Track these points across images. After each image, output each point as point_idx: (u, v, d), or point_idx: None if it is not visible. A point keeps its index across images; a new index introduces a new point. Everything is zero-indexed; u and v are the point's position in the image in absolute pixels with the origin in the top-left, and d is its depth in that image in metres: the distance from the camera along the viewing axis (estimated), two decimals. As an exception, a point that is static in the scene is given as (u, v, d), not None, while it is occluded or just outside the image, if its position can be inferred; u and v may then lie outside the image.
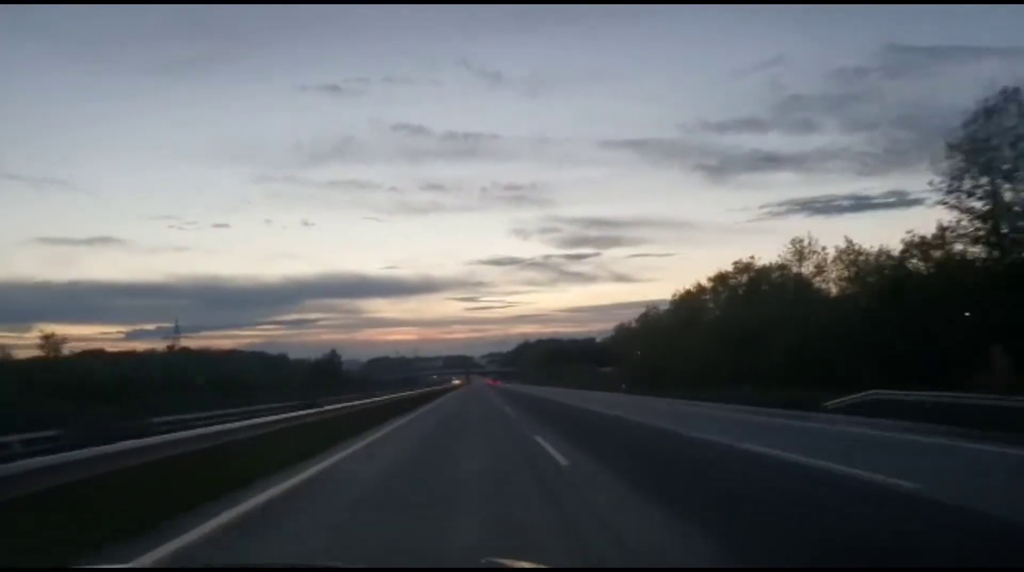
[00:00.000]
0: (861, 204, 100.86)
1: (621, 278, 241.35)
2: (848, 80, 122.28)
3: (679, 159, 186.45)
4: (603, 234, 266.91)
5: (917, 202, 79.31)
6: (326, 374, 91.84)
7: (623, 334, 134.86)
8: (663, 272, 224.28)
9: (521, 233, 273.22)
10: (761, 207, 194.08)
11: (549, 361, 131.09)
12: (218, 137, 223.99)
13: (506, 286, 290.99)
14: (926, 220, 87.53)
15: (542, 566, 2.19)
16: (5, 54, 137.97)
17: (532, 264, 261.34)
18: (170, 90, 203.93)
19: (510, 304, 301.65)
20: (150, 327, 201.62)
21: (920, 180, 56.02)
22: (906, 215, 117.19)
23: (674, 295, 68.83)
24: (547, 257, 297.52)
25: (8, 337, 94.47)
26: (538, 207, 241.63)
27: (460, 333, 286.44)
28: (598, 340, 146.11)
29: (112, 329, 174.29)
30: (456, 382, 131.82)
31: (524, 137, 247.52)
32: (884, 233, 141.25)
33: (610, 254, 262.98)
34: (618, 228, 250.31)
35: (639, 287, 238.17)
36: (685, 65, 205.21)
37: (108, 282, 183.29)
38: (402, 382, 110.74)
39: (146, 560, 4.81)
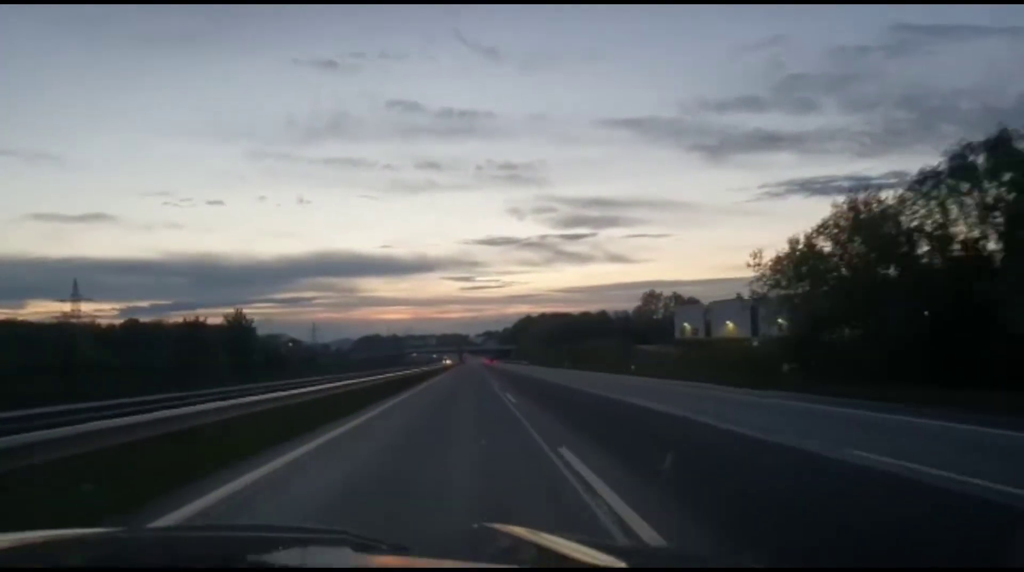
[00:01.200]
0: (861, 185, 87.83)
1: (617, 258, 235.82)
2: (849, 59, 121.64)
3: (677, 138, 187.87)
4: (599, 214, 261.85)
5: (917, 183, 78.10)
6: (218, 348, 63.62)
7: (649, 304, 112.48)
8: (659, 253, 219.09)
9: (516, 213, 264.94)
10: (760, 187, 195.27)
11: (562, 337, 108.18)
12: (211, 112, 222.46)
13: (501, 266, 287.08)
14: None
15: (535, 530, 1.91)
16: None
17: (528, 244, 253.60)
18: (163, 65, 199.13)
19: (505, 284, 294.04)
20: (144, 304, 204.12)
21: (920, 160, 53.52)
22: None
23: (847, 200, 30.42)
24: (543, 237, 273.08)
25: (3, 313, 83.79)
26: (534, 186, 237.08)
27: (455, 313, 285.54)
28: (611, 315, 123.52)
29: (107, 306, 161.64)
30: (447, 362, 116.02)
31: (520, 115, 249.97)
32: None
33: (606, 234, 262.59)
34: (614, 208, 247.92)
35: (635, 268, 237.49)
36: (684, 43, 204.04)
37: (102, 259, 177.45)
38: (382, 362, 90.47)
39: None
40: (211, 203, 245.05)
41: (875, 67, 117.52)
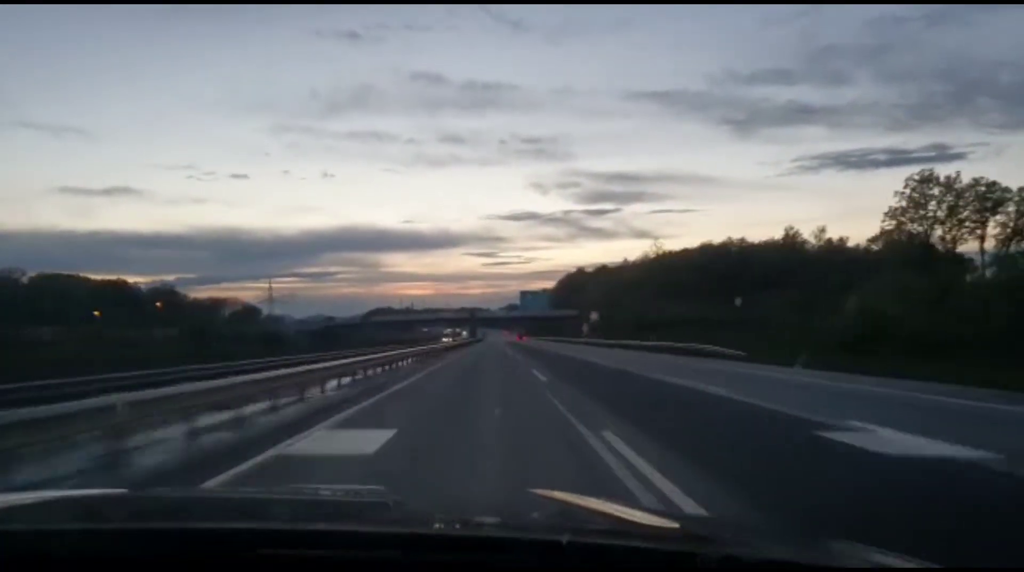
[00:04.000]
0: (898, 158, 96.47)
1: (642, 234, 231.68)
2: (885, 29, 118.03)
3: (705, 112, 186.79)
4: (624, 189, 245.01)
5: (959, 156, 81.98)
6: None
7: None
8: (685, 228, 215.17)
9: (540, 187, 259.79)
10: (793, 161, 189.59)
11: (698, 288, 55.51)
12: (235, 86, 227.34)
13: (524, 242, 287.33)
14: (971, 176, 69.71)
15: (581, 495, 1.95)
16: (24, 3, 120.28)
17: (551, 219, 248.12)
18: (186, 37, 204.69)
19: (528, 260, 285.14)
20: (169, 278, 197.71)
21: (956, 134, 45.71)
22: (947, 170, 79.71)
23: None
24: (566, 212, 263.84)
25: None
26: (558, 161, 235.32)
27: (476, 289, 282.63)
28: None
29: (131, 279, 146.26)
30: (445, 340, 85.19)
31: (545, 88, 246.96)
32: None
33: (631, 210, 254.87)
34: (640, 183, 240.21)
35: (660, 243, 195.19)
36: (713, 14, 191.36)
37: (128, 233, 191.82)
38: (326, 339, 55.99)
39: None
40: (235, 177, 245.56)
41: (912, 38, 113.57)
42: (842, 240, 64.11)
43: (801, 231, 68.44)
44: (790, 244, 66.81)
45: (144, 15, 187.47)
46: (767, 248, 67.25)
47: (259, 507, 1.83)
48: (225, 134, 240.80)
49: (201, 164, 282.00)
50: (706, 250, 74.64)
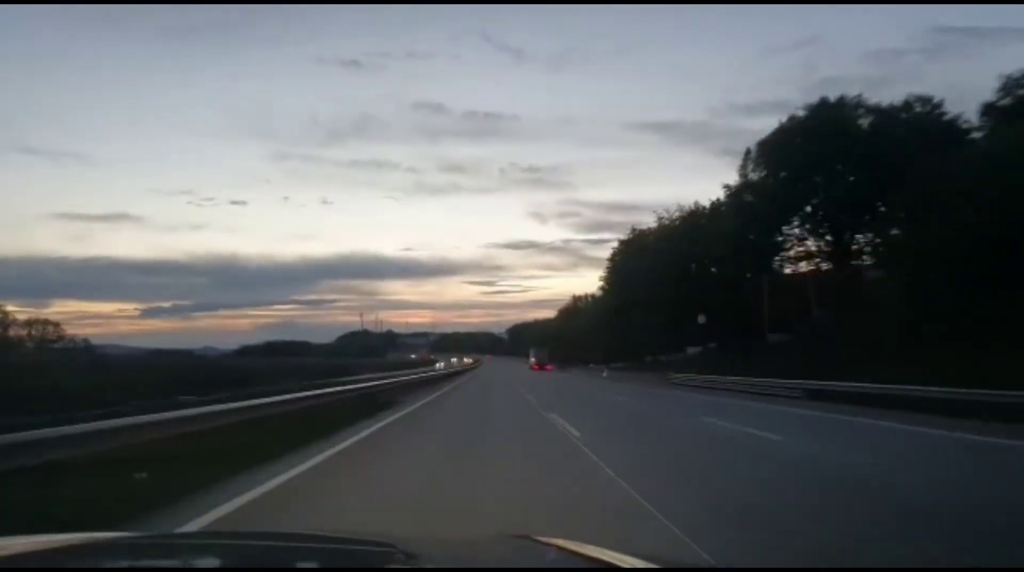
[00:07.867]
0: None
1: None
2: (884, 62, 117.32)
3: (705, 143, 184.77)
4: (624, 219, 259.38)
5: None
6: None
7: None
8: None
9: (539, 216, 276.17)
10: None
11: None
12: (235, 112, 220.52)
13: (523, 270, 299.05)
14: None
15: (580, 543, 1.94)
16: (24, 28, 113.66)
17: (551, 248, 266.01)
18: (188, 64, 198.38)
19: (527, 289, 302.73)
20: (166, 305, 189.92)
21: None
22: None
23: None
24: (566, 241, 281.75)
25: (27, 312, 66.59)
26: (558, 190, 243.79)
27: (476, 317, 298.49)
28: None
29: (128, 306, 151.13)
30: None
31: (545, 117, 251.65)
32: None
33: None
34: (639, 213, 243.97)
35: None
36: (714, 45, 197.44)
37: (125, 259, 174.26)
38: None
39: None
40: (234, 203, 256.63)
41: (911, 70, 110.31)
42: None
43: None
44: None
45: (145, 41, 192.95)
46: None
47: (259, 553, 1.83)
48: (225, 160, 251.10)
49: (200, 190, 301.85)
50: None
